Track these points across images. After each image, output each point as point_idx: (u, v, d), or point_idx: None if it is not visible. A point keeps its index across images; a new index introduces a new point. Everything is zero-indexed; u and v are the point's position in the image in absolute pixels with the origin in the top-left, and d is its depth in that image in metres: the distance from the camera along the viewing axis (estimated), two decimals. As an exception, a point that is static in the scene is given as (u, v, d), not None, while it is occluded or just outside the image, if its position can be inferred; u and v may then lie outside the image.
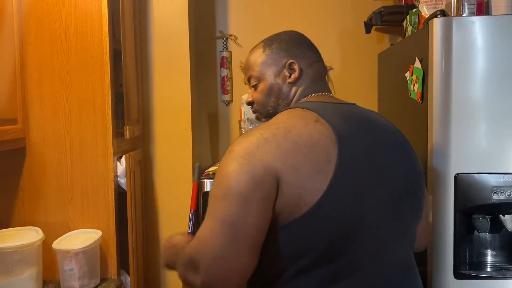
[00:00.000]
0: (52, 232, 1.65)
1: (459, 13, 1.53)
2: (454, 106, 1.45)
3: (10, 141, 1.57)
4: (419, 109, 1.59)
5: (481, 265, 1.51)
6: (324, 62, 2.33)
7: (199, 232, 0.92)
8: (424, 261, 1.53)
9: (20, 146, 1.66)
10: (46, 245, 1.61)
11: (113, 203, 1.70)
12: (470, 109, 1.46)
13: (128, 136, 1.81)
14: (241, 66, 2.40)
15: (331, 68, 2.41)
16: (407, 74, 1.70)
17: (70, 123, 1.69)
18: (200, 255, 0.89)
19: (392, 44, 2.27)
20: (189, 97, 2.12)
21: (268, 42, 1.17)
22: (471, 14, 1.51)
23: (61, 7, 1.66)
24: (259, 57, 1.16)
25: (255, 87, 1.17)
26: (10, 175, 1.70)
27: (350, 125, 0.98)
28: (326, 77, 2.30)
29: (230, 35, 2.44)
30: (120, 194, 1.77)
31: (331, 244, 0.91)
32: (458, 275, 1.46)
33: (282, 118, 0.97)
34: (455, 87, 1.45)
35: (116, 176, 1.73)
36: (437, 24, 1.45)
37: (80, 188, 1.70)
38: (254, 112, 1.21)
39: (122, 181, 1.77)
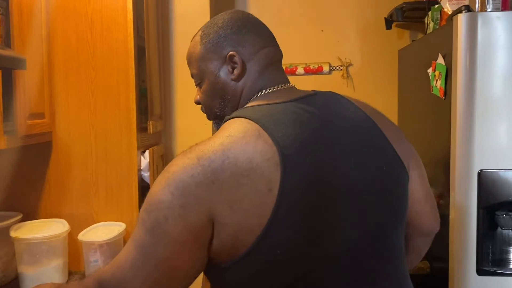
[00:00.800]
0: (77, 224, 1.69)
1: (483, 8, 1.52)
2: (478, 102, 1.45)
3: (38, 135, 1.61)
4: (442, 105, 1.58)
5: (504, 262, 1.51)
6: (344, 58, 2.38)
7: (118, 258, 0.81)
8: (446, 258, 1.53)
9: (47, 140, 1.70)
10: (71, 236, 1.65)
11: (137, 197, 1.73)
12: (494, 105, 1.45)
13: (151, 131, 1.84)
14: None
15: (350, 64, 2.41)
16: (430, 70, 1.69)
17: (95, 118, 1.72)
18: (113, 284, 0.79)
19: (413, 41, 2.26)
20: (209, 93, 2.14)
21: (206, 30, 0.97)
22: (496, 9, 1.50)
23: (87, 3, 1.69)
24: (196, 50, 0.98)
25: (199, 86, 1.01)
26: (37, 168, 1.74)
27: (301, 134, 0.81)
28: (344, 74, 2.36)
29: (250, 32, 2.45)
30: (143, 188, 1.81)
31: (280, 283, 0.80)
32: (480, 271, 1.46)
33: (222, 137, 0.81)
34: (480, 83, 1.44)
35: (140, 170, 1.76)
36: (462, 19, 1.45)
37: (104, 182, 1.73)
38: (204, 113, 1.05)
39: (146, 175, 1.80)
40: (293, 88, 0.97)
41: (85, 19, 1.70)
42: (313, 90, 0.95)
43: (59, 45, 1.70)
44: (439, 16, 1.89)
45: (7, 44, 1.41)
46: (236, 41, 0.94)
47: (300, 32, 2.42)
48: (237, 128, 0.82)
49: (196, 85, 1.02)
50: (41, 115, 1.64)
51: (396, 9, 2.18)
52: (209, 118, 1.04)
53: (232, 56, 0.94)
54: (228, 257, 0.79)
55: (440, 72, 1.60)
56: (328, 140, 0.84)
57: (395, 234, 0.89)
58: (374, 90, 2.39)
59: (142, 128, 1.80)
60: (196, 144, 0.82)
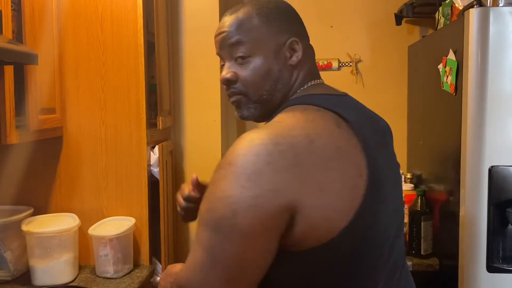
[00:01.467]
0: (87, 219, 1.71)
1: (495, 3, 1.50)
2: (489, 97, 1.44)
3: (49, 130, 1.63)
4: (453, 101, 1.57)
5: (514, 259, 1.50)
6: (353, 54, 2.37)
7: (188, 263, 0.80)
8: (456, 254, 1.52)
9: (58, 135, 1.72)
10: (81, 231, 1.67)
11: (146, 192, 1.74)
12: (506, 101, 1.44)
13: (161, 126, 1.85)
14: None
15: (360, 60, 2.40)
16: (440, 66, 1.68)
17: (105, 113, 1.73)
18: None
19: (423, 36, 2.25)
20: (218, 89, 2.14)
21: (263, 9, 0.92)
22: (508, 4, 1.49)
23: (97, 0, 1.70)
24: (253, 21, 0.90)
25: (242, 60, 0.90)
26: (48, 163, 1.75)
27: (366, 124, 0.86)
28: (353, 70, 2.35)
29: (259, 28, 2.44)
30: (153, 183, 1.82)
31: (362, 266, 0.81)
32: (490, 268, 1.45)
33: (299, 122, 0.79)
34: (491, 79, 1.43)
35: (149, 165, 1.77)
36: (474, 14, 1.43)
37: (114, 177, 1.74)
38: (233, 94, 0.93)
39: (155, 170, 1.81)
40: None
41: (95, 15, 1.71)
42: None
43: (70, 41, 1.72)
44: (450, 11, 1.87)
45: (19, 39, 1.42)
46: (298, 30, 0.94)
47: (309, 27, 2.37)
48: (314, 114, 0.81)
49: (237, 58, 0.90)
50: (52, 110, 1.65)
51: (406, 4, 2.16)
52: (241, 102, 0.93)
53: (294, 42, 0.91)
54: (316, 241, 0.76)
55: (450, 68, 1.58)
56: (379, 134, 0.89)
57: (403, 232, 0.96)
58: (384, 87, 2.37)
59: (151, 123, 1.81)
60: (257, 132, 0.77)
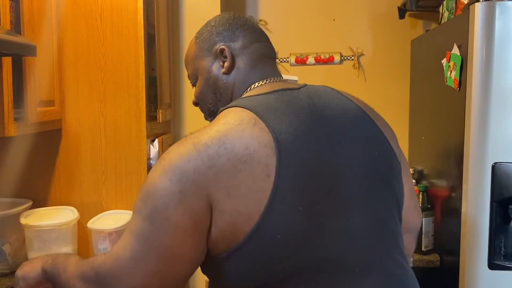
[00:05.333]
0: (86, 212, 1.70)
1: (501, -3, 1.48)
2: (493, 93, 1.42)
3: (48, 122, 1.61)
4: (456, 96, 1.55)
5: (516, 256, 1.49)
6: (355, 48, 2.34)
7: (118, 250, 0.81)
8: (457, 251, 1.52)
9: (57, 128, 1.70)
10: (80, 224, 1.66)
11: (146, 185, 1.72)
12: (510, 97, 1.42)
13: (161, 119, 1.83)
14: None
15: (362, 54, 2.38)
16: (444, 61, 1.66)
17: (104, 106, 1.72)
18: (111, 276, 0.81)
19: (427, 30, 2.22)
20: (219, 82, 2.12)
21: (200, 31, 1.02)
22: (515, -2, 1.46)
23: (97, -10, 1.68)
24: (191, 50, 1.03)
25: (194, 85, 1.04)
26: (47, 156, 1.74)
27: (295, 121, 0.83)
28: (355, 64, 2.33)
29: (260, 20, 2.42)
30: (152, 177, 1.80)
31: (279, 273, 0.78)
32: (492, 265, 1.44)
33: (218, 125, 0.81)
34: (496, 75, 1.41)
35: (149, 158, 1.76)
36: (479, 8, 1.41)
37: (113, 170, 1.73)
38: (202, 112, 1.07)
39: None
40: (285, 81, 1.01)
41: (95, 6, 1.69)
42: (304, 83, 0.97)
43: (69, 32, 1.69)
44: (454, 5, 1.85)
45: (17, 30, 1.40)
46: (227, 37, 0.98)
47: (311, 21, 2.38)
48: (233, 116, 0.83)
49: (193, 86, 1.04)
50: (51, 103, 1.64)
51: (410, -2, 2.14)
52: (205, 117, 1.05)
53: (222, 50, 0.97)
54: (226, 246, 0.78)
55: (455, 63, 1.56)
56: (322, 127, 0.85)
57: (393, 220, 0.89)
58: (386, 81, 2.35)
59: (151, 116, 1.80)
60: (191, 133, 0.83)
